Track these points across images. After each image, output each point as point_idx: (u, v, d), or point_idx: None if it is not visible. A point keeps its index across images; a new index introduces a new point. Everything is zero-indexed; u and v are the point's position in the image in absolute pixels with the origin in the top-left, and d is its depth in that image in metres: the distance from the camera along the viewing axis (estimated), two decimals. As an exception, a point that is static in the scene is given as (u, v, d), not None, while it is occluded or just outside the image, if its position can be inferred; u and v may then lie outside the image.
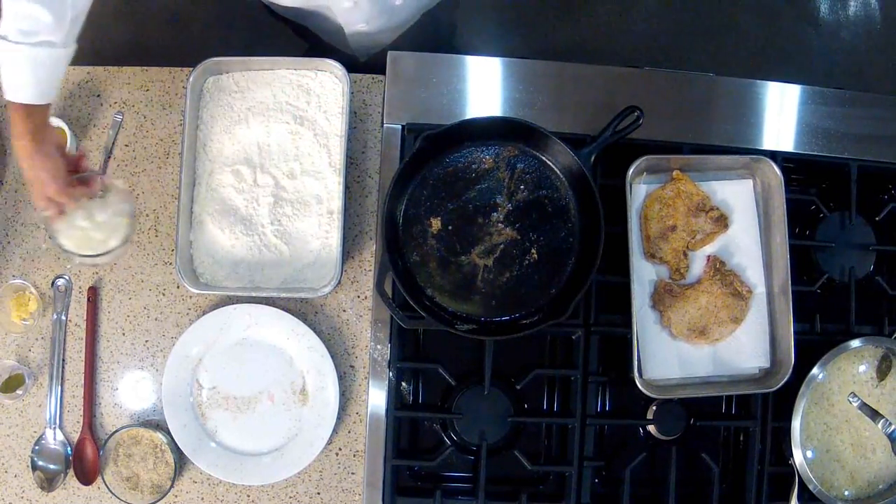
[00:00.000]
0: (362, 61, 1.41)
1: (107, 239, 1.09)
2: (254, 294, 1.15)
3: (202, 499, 1.18)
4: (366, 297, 1.20)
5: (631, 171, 1.10)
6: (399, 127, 1.19)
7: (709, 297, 1.12)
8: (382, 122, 1.20)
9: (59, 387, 1.18)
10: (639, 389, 1.06)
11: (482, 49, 2.10)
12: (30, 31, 0.94)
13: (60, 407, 1.18)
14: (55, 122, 1.19)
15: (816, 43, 2.35)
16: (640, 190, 1.15)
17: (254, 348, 1.18)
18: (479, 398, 1.15)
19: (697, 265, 1.15)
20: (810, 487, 1.11)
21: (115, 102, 1.23)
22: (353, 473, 1.19)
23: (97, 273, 1.21)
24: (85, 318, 1.19)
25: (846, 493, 1.15)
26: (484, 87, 1.21)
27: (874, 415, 1.11)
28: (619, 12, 2.32)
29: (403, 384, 1.18)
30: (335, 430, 1.17)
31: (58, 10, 0.95)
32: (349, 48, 1.38)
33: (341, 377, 1.18)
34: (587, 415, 1.15)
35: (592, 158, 1.09)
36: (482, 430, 1.14)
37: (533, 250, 1.12)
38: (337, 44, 1.38)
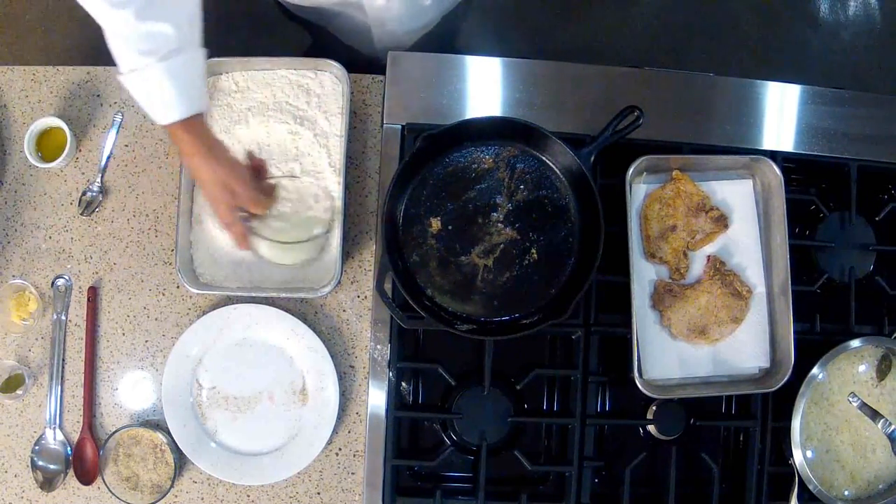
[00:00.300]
0: (383, 63, 1.39)
1: (303, 232, 1.09)
2: (254, 294, 1.15)
3: (202, 499, 1.18)
4: (366, 297, 1.20)
5: (631, 171, 1.09)
6: (399, 127, 1.19)
7: (709, 297, 1.12)
8: (382, 122, 1.20)
9: (59, 387, 1.18)
10: (639, 389, 1.06)
11: (482, 49, 2.09)
12: (154, 49, 0.90)
13: (60, 407, 1.18)
14: (54, 121, 1.19)
15: (816, 43, 2.35)
16: (640, 190, 1.15)
17: (254, 348, 1.18)
18: (479, 398, 1.15)
19: (697, 265, 1.15)
20: (810, 487, 1.11)
21: (115, 102, 1.23)
22: (353, 473, 1.19)
23: (97, 273, 1.21)
24: (85, 318, 1.19)
25: (846, 493, 1.15)
26: (484, 87, 1.21)
27: (874, 415, 1.11)
28: (619, 12, 2.32)
29: (403, 384, 1.18)
30: (335, 430, 1.17)
31: (172, 17, 0.90)
32: (373, 50, 1.35)
33: (341, 377, 1.18)
34: (587, 415, 1.15)
35: (592, 158, 1.09)
36: (482, 430, 1.14)
37: (533, 250, 1.12)
38: (359, 45, 1.35)
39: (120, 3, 0.86)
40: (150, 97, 0.92)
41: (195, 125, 0.95)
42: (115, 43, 0.90)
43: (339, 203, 1.14)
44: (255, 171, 1.05)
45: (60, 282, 1.20)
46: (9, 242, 1.21)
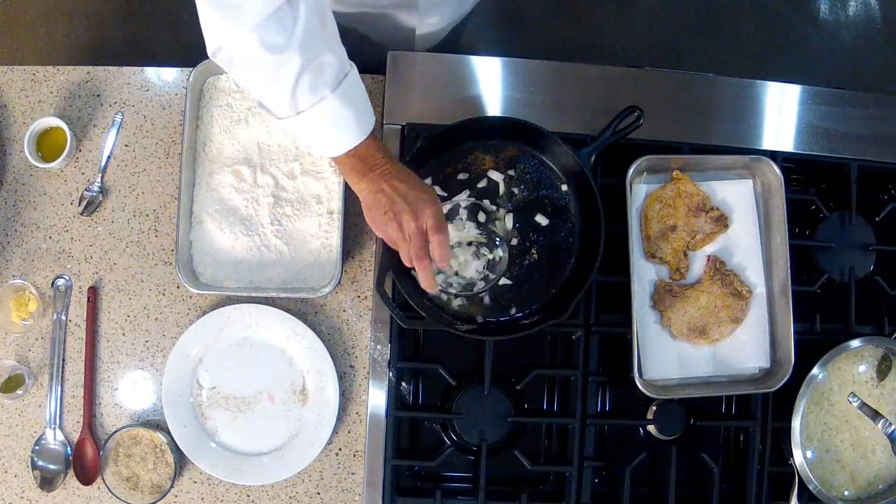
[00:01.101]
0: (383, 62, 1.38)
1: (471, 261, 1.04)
2: (254, 294, 1.15)
3: (202, 499, 1.18)
4: (366, 297, 1.20)
5: (631, 171, 1.10)
6: (399, 127, 1.19)
7: (709, 297, 1.12)
8: (382, 122, 1.20)
9: (59, 387, 1.18)
10: (639, 389, 1.06)
11: (482, 49, 2.10)
12: (324, 83, 0.87)
13: (60, 407, 1.18)
14: (54, 121, 1.19)
15: (816, 43, 2.36)
16: (640, 190, 1.15)
17: (254, 348, 1.18)
18: (479, 398, 1.15)
19: (697, 265, 1.15)
20: (810, 487, 1.11)
21: (115, 102, 1.23)
22: (353, 473, 1.19)
23: (97, 273, 1.21)
24: (85, 318, 1.19)
25: (846, 493, 1.15)
26: (484, 87, 1.21)
27: (874, 415, 1.11)
28: (619, 12, 2.32)
29: (403, 384, 1.18)
30: (335, 430, 1.17)
31: (329, 44, 0.87)
32: (412, 48, 1.32)
33: (341, 377, 1.18)
34: (587, 415, 1.15)
35: (592, 158, 1.09)
36: (482, 430, 1.14)
37: (533, 250, 1.12)
38: (399, 43, 1.31)
39: (280, 46, 0.82)
40: (330, 128, 0.90)
41: (372, 139, 0.93)
42: (279, 87, 0.86)
43: (339, 203, 1.14)
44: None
45: (60, 282, 1.20)
46: (9, 242, 1.21)
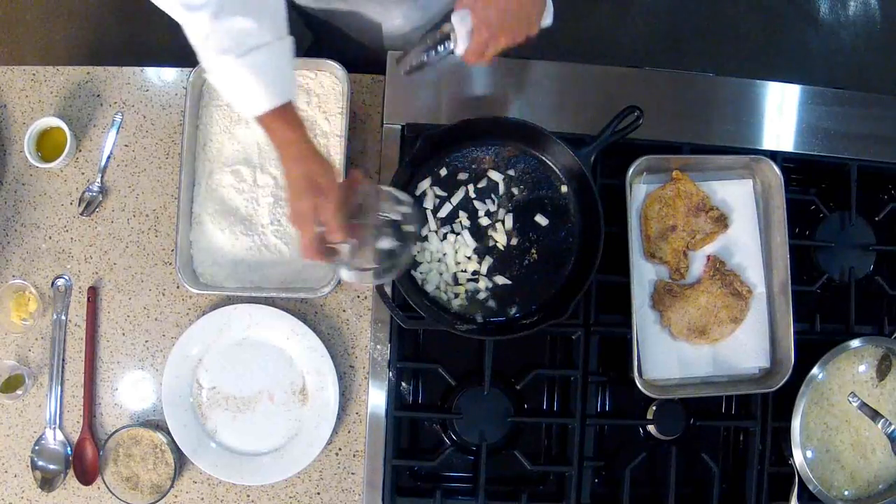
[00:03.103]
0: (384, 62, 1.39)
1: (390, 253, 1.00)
2: (254, 294, 1.15)
3: (202, 499, 1.18)
4: (366, 297, 1.20)
5: (631, 171, 1.09)
6: (399, 127, 1.19)
7: (709, 297, 1.12)
8: (382, 122, 1.20)
9: (59, 387, 1.18)
10: (639, 389, 1.06)
11: (482, 49, 2.10)
12: (236, 45, 0.89)
13: (60, 407, 1.18)
14: (54, 121, 1.19)
15: (816, 43, 2.35)
16: (640, 190, 1.15)
17: (254, 348, 1.18)
18: (479, 398, 1.15)
19: (697, 265, 1.15)
20: (810, 487, 1.11)
21: (115, 102, 1.23)
22: (353, 473, 1.19)
23: (97, 273, 1.21)
24: (85, 318, 1.19)
25: (846, 493, 1.15)
26: (484, 87, 1.21)
27: (874, 415, 1.11)
28: (619, 12, 2.32)
29: (403, 384, 1.18)
30: (335, 430, 1.17)
31: (251, 10, 0.89)
32: (381, 46, 1.34)
33: (341, 377, 1.18)
34: (587, 415, 1.15)
35: (592, 158, 1.09)
36: (482, 430, 1.14)
37: (533, 250, 1.12)
38: (368, 42, 1.35)
39: (196, 5, 0.86)
40: (234, 93, 0.92)
41: (285, 114, 0.93)
42: (195, 42, 0.90)
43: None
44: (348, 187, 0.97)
45: (60, 282, 1.20)
46: (9, 242, 1.21)
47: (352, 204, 0.94)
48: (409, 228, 1.02)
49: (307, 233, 0.93)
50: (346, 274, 1.00)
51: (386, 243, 0.99)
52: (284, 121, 0.94)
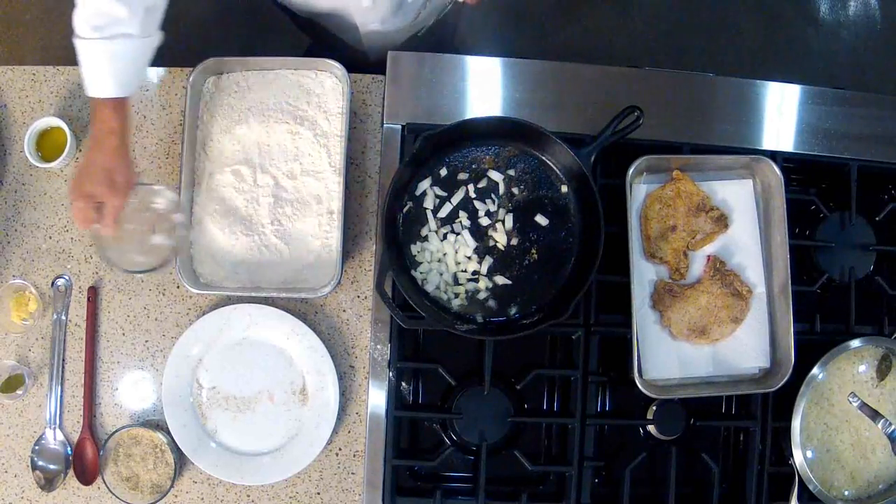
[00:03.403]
0: (372, 60, 1.41)
1: (151, 249, 1.07)
2: (254, 294, 1.15)
3: (202, 499, 1.18)
4: (366, 297, 1.20)
5: (631, 171, 1.09)
6: (399, 127, 1.19)
7: (709, 297, 1.12)
8: (382, 122, 1.20)
9: (59, 387, 1.18)
10: (639, 389, 1.06)
11: (482, 49, 2.10)
12: (103, 26, 0.95)
13: (60, 407, 1.18)
14: (54, 121, 1.19)
15: (816, 43, 2.36)
16: (640, 190, 1.15)
17: (254, 348, 1.18)
18: (479, 398, 1.15)
19: (697, 265, 1.15)
20: (810, 487, 1.11)
21: (115, 102, 1.23)
22: (353, 473, 1.19)
23: (97, 273, 1.21)
24: (85, 318, 1.19)
25: (846, 493, 1.15)
26: (484, 87, 1.21)
27: (874, 415, 1.11)
28: (619, 12, 2.32)
29: (403, 384, 1.18)
30: (335, 430, 1.17)
31: (132, 2, 0.95)
32: (362, 47, 1.38)
33: (341, 377, 1.18)
34: (587, 415, 1.15)
35: (592, 158, 1.09)
36: (482, 430, 1.14)
37: (533, 250, 1.12)
38: (351, 41, 1.37)
39: None
40: (88, 68, 0.98)
41: (120, 106, 1.00)
42: (77, 10, 0.96)
43: (338, 203, 1.14)
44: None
45: (60, 282, 1.20)
46: (9, 242, 1.21)
47: (129, 205, 1.03)
48: (177, 219, 1.10)
49: (80, 209, 0.99)
50: (109, 259, 1.06)
51: (157, 239, 1.08)
52: (116, 111, 1.00)
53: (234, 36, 2.09)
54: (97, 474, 1.15)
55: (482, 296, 1.11)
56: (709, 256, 1.14)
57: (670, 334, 1.13)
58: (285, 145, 1.17)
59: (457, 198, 1.12)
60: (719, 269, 1.13)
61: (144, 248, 1.07)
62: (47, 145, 1.20)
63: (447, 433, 1.18)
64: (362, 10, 1.23)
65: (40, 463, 1.17)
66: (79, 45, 0.98)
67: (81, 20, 0.96)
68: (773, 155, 1.16)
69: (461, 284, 1.11)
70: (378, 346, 1.17)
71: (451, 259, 1.11)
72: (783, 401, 1.13)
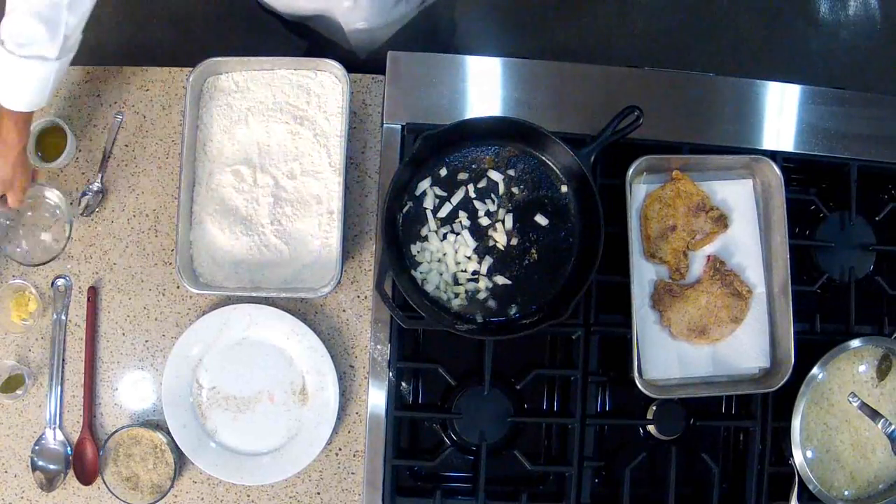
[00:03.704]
0: (362, 59, 1.41)
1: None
2: (254, 294, 1.15)
3: (202, 499, 1.18)
4: (366, 297, 1.20)
5: (631, 171, 1.09)
6: (399, 127, 1.19)
7: (709, 297, 1.12)
8: (382, 122, 1.20)
9: (59, 387, 1.18)
10: (639, 389, 1.06)
11: (482, 49, 2.10)
12: (24, 44, 0.97)
13: (60, 407, 1.18)
14: (54, 121, 1.19)
15: (816, 43, 2.35)
16: (640, 190, 1.15)
17: (254, 348, 1.18)
18: (479, 398, 1.15)
19: (697, 265, 1.15)
20: (810, 487, 1.11)
21: (115, 102, 1.23)
22: (353, 473, 1.19)
23: (97, 273, 1.21)
24: (85, 318, 1.19)
25: (846, 493, 1.15)
26: (484, 87, 1.21)
27: (874, 415, 1.11)
28: (619, 12, 2.32)
29: (403, 384, 1.18)
30: (335, 430, 1.17)
31: (53, 26, 0.97)
32: (350, 46, 1.39)
33: (341, 377, 1.18)
34: (587, 415, 1.15)
35: (592, 158, 1.09)
36: (482, 430, 1.14)
37: (533, 250, 1.12)
38: (338, 40, 1.39)
39: None
40: (2, 78, 1.00)
41: (22, 118, 1.04)
42: (4, 22, 0.98)
43: (338, 203, 1.14)
44: None
45: (60, 282, 1.20)
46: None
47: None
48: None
49: None
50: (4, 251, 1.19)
51: (45, 236, 1.20)
52: (18, 125, 1.04)
53: (234, 36, 2.09)
54: (97, 474, 1.15)
55: (482, 296, 1.11)
56: (709, 256, 1.14)
57: (670, 334, 1.13)
58: (285, 145, 1.17)
59: (457, 198, 1.12)
60: (719, 269, 1.13)
61: (36, 243, 1.20)
62: (47, 145, 1.20)
63: (447, 433, 1.18)
64: (343, 10, 1.24)
65: (40, 463, 1.17)
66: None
67: (6, 33, 0.98)
68: (773, 155, 1.16)
69: (461, 284, 1.11)
70: (378, 346, 1.17)
71: (451, 259, 1.11)
72: (783, 401, 1.13)
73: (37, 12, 0.96)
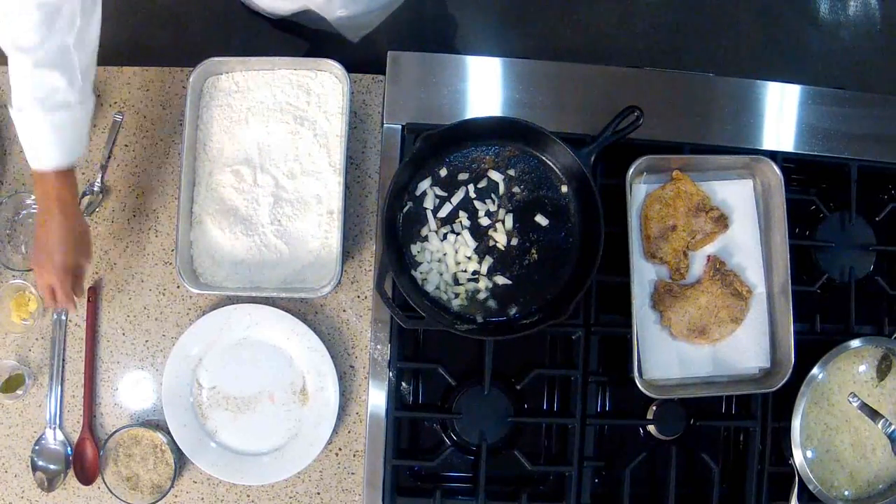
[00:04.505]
0: (356, 42, 1.42)
1: None
2: (254, 294, 1.15)
3: (202, 499, 1.18)
4: (366, 297, 1.20)
5: (631, 171, 1.09)
6: (399, 127, 1.19)
7: (709, 297, 1.12)
8: (382, 122, 1.20)
9: (59, 387, 1.18)
10: (639, 389, 1.06)
11: (482, 49, 2.10)
12: (44, 98, 0.95)
13: (60, 407, 1.18)
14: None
15: (816, 43, 2.35)
16: (640, 190, 1.15)
17: (254, 348, 1.18)
18: (479, 398, 1.15)
19: (697, 265, 1.15)
20: (810, 487, 1.11)
21: (115, 102, 1.23)
22: (353, 473, 1.19)
23: (97, 273, 1.21)
24: (85, 318, 1.19)
25: (846, 493, 1.15)
26: (484, 87, 1.21)
27: (874, 415, 1.11)
28: (619, 12, 2.32)
29: (403, 384, 1.18)
30: (335, 430, 1.17)
31: (68, 69, 0.95)
32: (338, 32, 1.40)
33: (341, 377, 1.18)
34: (587, 415, 1.15)
35: (592, 158, 1.09)
36: (482, 430, 1.14)
37: (533, 250, 1.12)
38: (325, 28, 1.40)
39: (24, 48, 0.92)
40: (31, 140, 0.98)
41: (66, 175, 1.01)
42: (14, 80, 0.95)
43: (338, 203, 1.14)
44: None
45: (60, 282, 1.20)
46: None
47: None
48: None
49: (66, 288, 1.04)
50: None
51: None
52: (64, 181, 1.01)
53: (234, 36, 2.09)
54: (97, 474, 1.16)
55: (482, 296, 1.11)
56: (709, 256, 1.14)
57: (670, 334, 1.13)
58: (285, 145, 1.17)
59: (457, 198, 1.12)
60: (719, 269, 1.13)
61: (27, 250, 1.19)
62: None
63: (447, 433, 1.18)
64: (319, 3, 1.26)
65: (40, 463, 1.17)
66: (19, 117, 0.97)
67: (21, 93, 0.95)
68: (773, 155, 1.16)
69: (461, 284, 1.11)
70: (378, 346, 1.17)
71: (451, 259, 1.11)
72: (783, 401, 1.13)
73: (49, 62, 0.93)
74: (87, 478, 1.16)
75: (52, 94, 0.95)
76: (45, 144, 0.97)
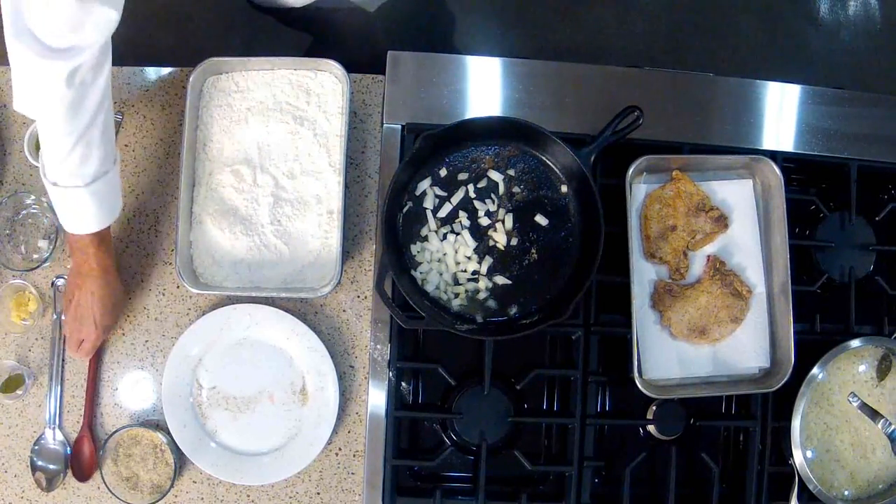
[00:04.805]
0: (372, 12, 1.40)
1: None
2: (254, 294, 1.15)
3: (202, 499, 1.18)
4: (366, 297, 1.20)
5: (631, 171, 1.10)
6: (399, 127, 1.19)
7: (709, 297, 1.12)
8: (382, 122, 1.20)
9: (59, 387, 1.18)
10: (639, 389, 1.06)
11: (482, 49, 2.10)
12: (80, 174, 0.96)
13: (60, 407, 1.18)
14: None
15: (816, 43, 2.35)
16: (640, 190, 1.15)
17: (254, 348, 1.18)
18: (479, 398, 1.15)
19: (697, 265, 1.15)
20: (810, 487, 1.11)
21: (115, 102, 1.23)
22: (353, 473, 1.19)
23: (97, 273, 1.21)
24: (85, 318, 1.19)
25: (846, 493, 1.15)
26: (484, 87, 1.21)
27: (874, 415, 1.11)
28: (619, 12, 2.32)
29: (403, 384, 1.18)
30: (335, 430, 1.17)
31: (101, 145, 0.96)
32: (356, 4, 1.39)
33: (341, 377, 1.18)
34: (587, 415, 1.15)
35: (592, 158, 1.09)
36: (482, 430, 1.14)
37: (533, 250, 1.12)
38: (343, 6, 1.38)
39: (67, 132, 0.92)
40: (70, 212, 0.99)
41: (104, 236, 1.04)
42: (50, 155, 0.95)
43: (338, 203, 1.14)
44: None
45: (60, 282, 1.20)
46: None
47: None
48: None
49: (96, 342, 1.12)
50: None
51: (42, 244, 1.20)
52: (103, 243, 1.04)
53: (234, 36, 2.09)
54: (94, 470, 1.16)
55: (482, 296, 1.11)
56: (709, 256, 1.14)
57: (670, 334, 1.13)
58: (285, 145, 1.17)
59: (457, 198, 1.12)
60: (719, 269, 1.13)
61: (33, 249, 1.20)
62: (47, 145, 1.20)
63: (447, 433, 1.18)
64: None
65: (40, 463, 1.17)
66: (56, 192, 0.97)
67: (59, 166, 0.95)
68: (773, 155, 1.16)
69: (461, 284, 1.11)
70: (378, 346, 1.17)
71: (451, 259, 1.11)
72: (783, 401, 1.13)
73: (84, 142, 0.94)
74: (83, 473, 1.16)
75: (88, 170, 0.96)
76: (86, 215, 0.99)
